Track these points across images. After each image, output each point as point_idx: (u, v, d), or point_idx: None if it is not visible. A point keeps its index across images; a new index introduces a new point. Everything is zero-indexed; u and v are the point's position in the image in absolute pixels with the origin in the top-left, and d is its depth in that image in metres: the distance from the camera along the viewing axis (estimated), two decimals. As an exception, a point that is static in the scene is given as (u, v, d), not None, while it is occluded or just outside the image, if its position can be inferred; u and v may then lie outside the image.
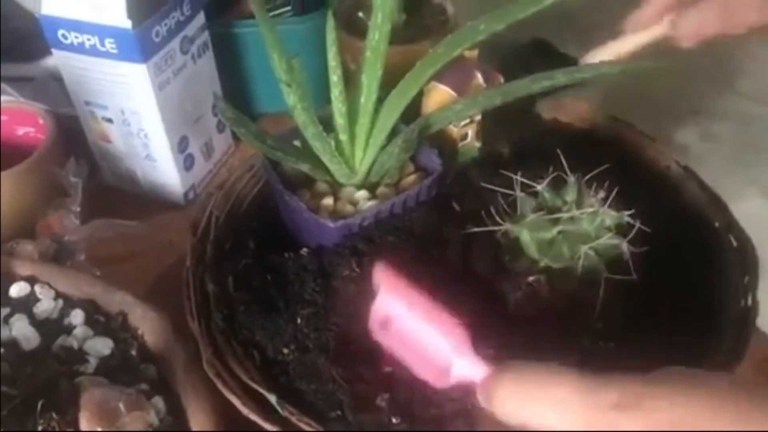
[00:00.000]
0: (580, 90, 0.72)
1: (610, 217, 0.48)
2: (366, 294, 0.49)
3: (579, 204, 0.49)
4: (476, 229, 0.48)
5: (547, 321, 0.46)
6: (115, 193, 0.77)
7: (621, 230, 0.49)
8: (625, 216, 0.48)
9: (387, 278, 0.41)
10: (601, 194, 0.49)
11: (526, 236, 0.48)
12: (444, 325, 0.38)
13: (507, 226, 0.49)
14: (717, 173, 0.63)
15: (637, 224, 0.47)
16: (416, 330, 0.39)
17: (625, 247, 0.48)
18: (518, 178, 0.50)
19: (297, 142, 0.57)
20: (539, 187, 0.50)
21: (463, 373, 0.37)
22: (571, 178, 0.50)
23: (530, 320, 0.47)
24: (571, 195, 0.50)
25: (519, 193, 0.50)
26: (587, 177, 0.49)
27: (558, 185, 0.50)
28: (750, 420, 0.29)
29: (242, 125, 0.50)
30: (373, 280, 0.42)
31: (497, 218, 0.49)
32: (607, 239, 0.48)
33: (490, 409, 0.34)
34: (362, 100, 0.54)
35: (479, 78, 0.59)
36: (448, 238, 0.51)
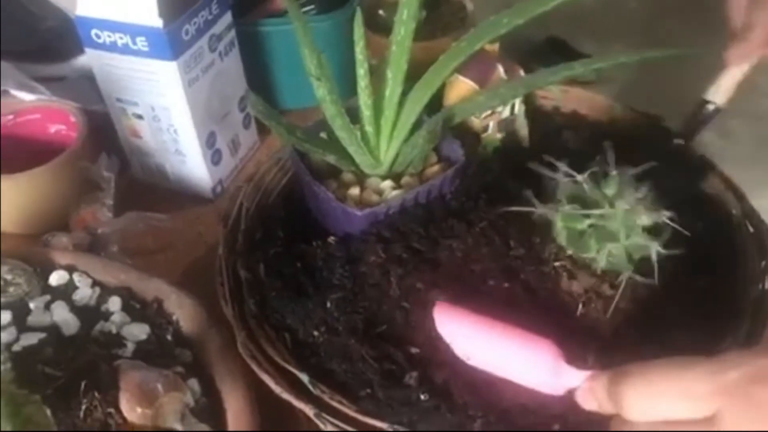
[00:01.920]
0: (600, 86, 0.74)
1: (646, 216, 0.49)
2: (392, 276, 0.51)
3: (617, 199, 0.50)
4: (514, 209, 0.50)
5: (563, 307, 0.48)
6: (145, 187, 0.79)
7: (656, 230, 0.50)
8: (663, 217, 0.49)
9: (448, 319, 0.44)
10: (641, 193, 0.50)
11: (559, 223, 0.49)
12: (532, 348, 0.41)
13: (543, 209, 0.50)
14: (735, 169, 0.64)
15: (672, 225, 0.48)
16: (506, 358, 0.42)
17: (654, 250, 0.48)
18: (561, 166, 0.51)
19: (323, 134, 0.59)
20: (579, 177, 0.51)
21: (570, 383, 0.40)
22: (614, 173, 0.50)
23: (548, 305, 0.49)
24: (611, 189, 0.50)
25: (562, 179, 0.51)
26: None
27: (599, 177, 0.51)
28: None
29: (273, 118, 0.52)
30: (436, 324, 0.44)
31: (534, 201, 0.50)
32: (637, 237, 0.49)
33: (604, 409, 0.37)
34: (387, 93, 0.56)
35: (500, 71, 0.61)
36: (482, 216, 0.52)
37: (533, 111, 0.69)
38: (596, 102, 0.70)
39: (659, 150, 0.65)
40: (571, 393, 0.40)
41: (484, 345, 0.43)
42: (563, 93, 0.71)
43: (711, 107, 0.61)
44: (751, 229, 0.58)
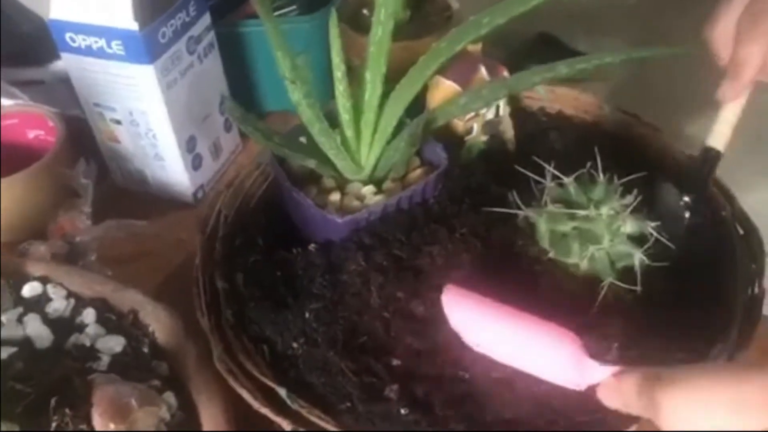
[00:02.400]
0: (592, 84, 0.73)
1: (630, 224, 0.48)
2: (373, 285, 0.50)
3: (603, 204, 0.48)
4: (497, 210, 0.48)
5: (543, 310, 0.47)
6: (125, 193, 0.78)
7: (640, 239, 0.49)
8: (649, 227, 0.48)
9: (458, 304, 0.42)
10: (628, 199, 0.49)
11: (542, 225, 0.48)
12: (554, 338, 0.39)
13: (527, 212, 0.49)
14: (727, 164, 0.63)
15: (658, 237, 0.47)
16: (523, 349, 0.39)
17: (638, 258, 0.47)
18: (550, 168, 0.50)
19: (303, 139, 0.57)
20: (566, 180, 0.49)
21: (593, 379, 0.37)
22: (601, 177, 0.49)
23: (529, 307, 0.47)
24: (597, 194, 0.49)
25: (548, 183, 0.50)
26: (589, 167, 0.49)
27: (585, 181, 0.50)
28: None
29: (249, 123, 0.51)
30: (444, 309, 0.42)
31: (519, 203, 0.49)
32: (621, 245, 0.47)
33: (630, 409, 0.34)
34: (367, 95, 0.54)
35: (483, 72, 0.59)
36: (464, 221, 0.51)
37: (519, 112, 0.68)
38: (583, 102, 0.69)
39: (646, 148, 0.64)
40: (589, 389, 0.37)
41: (499, 333, 0.40)
42: (549, 93, 0.70)
43: (713, 153, 0.56)
44: (741, 231, 0.56)
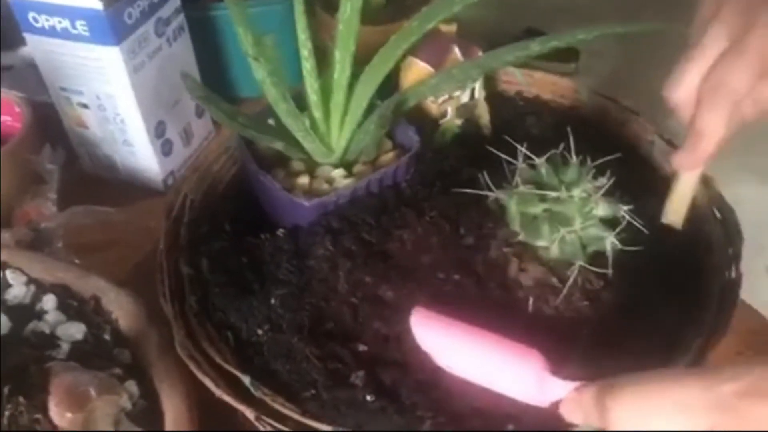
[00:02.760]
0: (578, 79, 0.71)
1: (602, 207, 0.47)
2: (340, 270, 0.49)
3: (575, 186, 0.47)
4: (467, 191, 0.47)
5: (513, 301, 0.46)
6: (94, 180, 0.76)
7: (613, 223, 0.47)
8: (622, 210, 0.47)
9: (427, 328, 0.41)
10: (601, 181, 0.47)
11: (513, 207, 0.47)
12: (517, 356, 0.39)
13: (498, 193, 0.47)
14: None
15: (631, 220, 0.46)
16: (488, 367, 0.40)
17: (609, 242, 0.46)
18: (522, 149, 0.48)
19: (272, 122, 0.56)
20: (538, 161, 0.48)
21: (555, 395, 0.38)
22: (574, 159, 0.48)
23: (498, 299, 0.46)
24: (569, 176, 0.48)
25: (521, 164, 0.48)
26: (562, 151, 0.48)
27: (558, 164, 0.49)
28: None
29: (212, 102, 0.49)
30: (414, 332, 0.42)
31: (491, 185, 0.48)
32: (592, 228, 0.46)
33: (589, 422, 0.35)
34: (336, 75, 0.53)
35: (457, 53, 0.58)
36: (434, 205, 0.50)
37: (495, 96, 0.66)
38: (561, 87, 0.68)
39: (623, 133, 0.63)
40: (553, 405, 0.38)
41: (467, 355, 0.41)
42: (527, 77, 0.68)
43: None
44: (719, 216, 0.55)
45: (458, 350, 0.41)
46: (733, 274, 0.51)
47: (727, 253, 0.53)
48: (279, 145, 0.53)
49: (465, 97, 0.61)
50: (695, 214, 0.55)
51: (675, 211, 0.51)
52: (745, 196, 0.62)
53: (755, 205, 0.59)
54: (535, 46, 0.48)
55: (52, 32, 0.63)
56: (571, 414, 0.37)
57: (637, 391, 0.33)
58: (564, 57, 1.27)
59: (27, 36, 0.65)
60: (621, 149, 0.53)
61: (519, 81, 0.68)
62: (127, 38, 0.63)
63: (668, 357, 0.44)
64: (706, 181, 0.58)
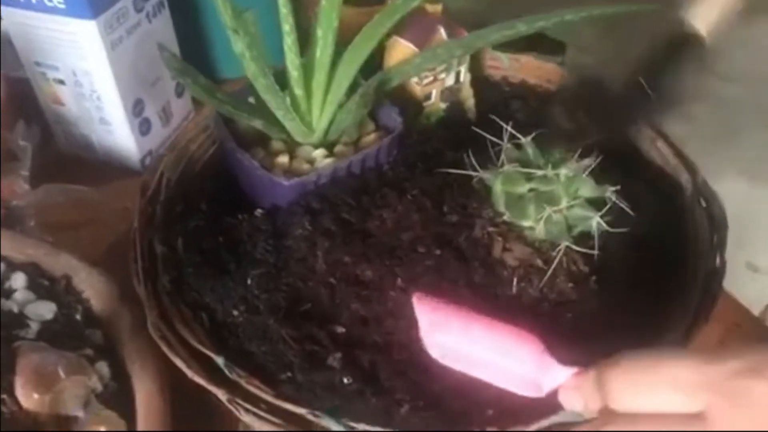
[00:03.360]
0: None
1: (588, 186, 0.46)
2: (319, 250, 0.48)
3: (561, 166, 0.46)
4: (452, 171, 0.46)
5: (496, 280, 0.45)
6: (70, 160, 0.74)
7: (599, 204, 0.47)
8: (608, 191, 0.46)
9: (428, 310, 0.40)
10: (587, 161, 0.47)
11: (498, 187, 0.46)
12: (516, 342, 0.38)
13: (483, 173, 0.47)
14: (696, 154, 0.62)
15: (617, 202, 0.45)
16: (488, 352, 0.38)
17: (595, 222, 0.45)
18: (508, 127, 0.47)
19: (252, 100, 0.54)
20: (524, 140, 0.47)
21: (552, 383, 0.37)
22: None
23: (481, 276, 0.45)
24: (556, 155, 0.47)
25: (506, 144, 0.47)
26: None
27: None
28: None
29: (189, 76, 0.48)
30: (416, 314, 0.40)
31: (476, 165, 0.47)
32: (578, 208, 0.46)
33: (590, 404, 0.34)
34: (318, 53, 0.51)
35: (442, 33, 0.57)
36: (416, 184, 0.49)
37: (481, 81, 0.65)
38: (547, 71, 0.67)
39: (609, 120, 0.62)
40: (549, 392, 0.37)
41: (464, 341, 0.39)
42: (513, 62, 0.67)
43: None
44: (704, 203, 0.55)
45: (454, 336, 0.39)
46: (717, 262, 0.50)
47: (711, 241, 0.52)
48: (258, 124, 0.52)
49: (450, 81, 0.60)
50: (679, 201, 0.55)
51: (701, 14, 0.47)
52: (727, 191, 0.61)
53: (737, 200, 0.58)
54: (522, 26, 0.47)
55: (26, 4, 0.61)
56: (571, 401, 0.36)
57: (634, 368, 0.33)
58: (549, 51, 1.26)
59: (2, 8, 0.63)
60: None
61: (505, 65, 0.67)
62: (105, 12, 0.61)
63: (653, 340, 0.44)
64: (691, 170, 0.57)
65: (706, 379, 0.31)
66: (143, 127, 0.70)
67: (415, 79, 0.58)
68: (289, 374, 0.43)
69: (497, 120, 0.47)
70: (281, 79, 0.52)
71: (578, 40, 0.70)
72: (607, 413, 0.33)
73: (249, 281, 0.47)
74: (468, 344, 0.39)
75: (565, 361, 0.37)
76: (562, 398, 0.36)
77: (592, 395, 0.34)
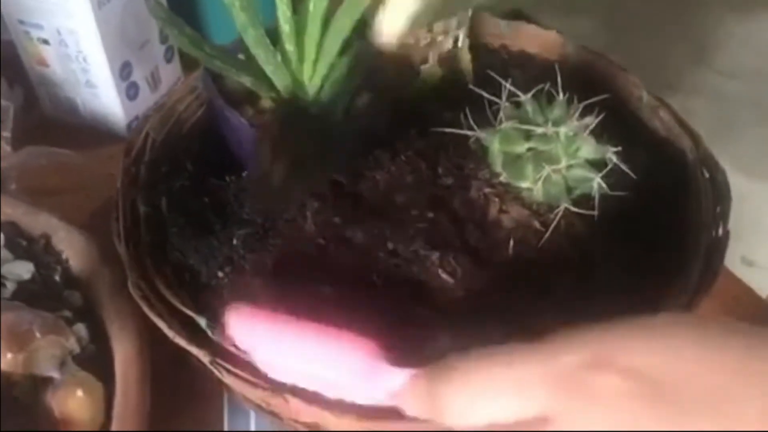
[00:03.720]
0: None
1: (588, 146, 0.44)
2: (308, 211, 0.46)
3: (561, 124, 0.44)
4: (446, 130, 0.44)
5: (492, 242, 0.43)
6: (54, 124, 0.72)
7: (599, 165, 0.45)
8: (609, 152, 0.44)
9: (245, 323, 0.35)
10: (588, 120, 0.45)
11: (495, 146, 0.44)
12: (345, 351, 0.33)
13: (480, 133, 0.45)
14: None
15: (619, 164, 0.43)
16: (314, 366, 0.34)
17: (596, 183, 0.43)
18: (507, 84, 0.45)
19: (242, 56, 0.52)
20: (523, 98, 0.45)
21: (387, 389, 0.32)
22: (561, 96, 0.45)
23: (476, 239, 0.43)
24: (556, 113, 0.45)
25: (504, 102, 0.45)
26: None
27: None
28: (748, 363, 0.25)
29: (175, 26, 0.46)
30: (232, 334, 0.35)
31: (473, 125, 0.45)
32: (578, 168, 0.44)
33: (426, 414, 0.30)
34: (311, 7, 0.49)
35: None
36: (409, 145, 0.47)
37: (479, 48, 0.63)
38: (547, 39, 0.65)
39: (611, 88, 0.60)
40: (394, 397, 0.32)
41: (287, 355, 0.34)
42: (512, 30, 0.66)
43: None
44: (707, 174, 0.53)
45: (278, 348, 0.35)
46: (720, 232, 0.49)
47: (714, 211, 0.50)
48: (247, 80, 0.49)
49: (448, 44, 0.58)
50: (682, 171, 0.53)
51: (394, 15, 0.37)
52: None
53: (733, 195, 0.57)
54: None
55: (9, -42, 0.59)
56: (407, 406, 0.31)
57: (466, 372, 0.28)
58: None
59: (-16, -37, 0.61)
60: (609, 100, 0.50)
61: (504, 32, 0.65)
62: (92, -32, 0.59)
63: (654, 309, 0.42)
64: (695, 140, 0.55)
65: (546, 376, 0.26)
66: (130, 92, 0.68)
67: (411, 41, 0.56)
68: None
69: (496, 77, 0.45)
70: (272, 37, 0.50)
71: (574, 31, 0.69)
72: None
73: (234, 241, 0.46)
74: (291, 358, 0.34)
75: (402, 359, 0.32)
76: (400, 403, 0.32)
77: (424, 401, 0.30)
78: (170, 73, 0.73)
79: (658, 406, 0.25)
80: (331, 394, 0.34)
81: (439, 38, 0.57)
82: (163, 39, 0.70)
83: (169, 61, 0.72)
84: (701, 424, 0.24)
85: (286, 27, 0.49)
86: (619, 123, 0.52)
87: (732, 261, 0.54)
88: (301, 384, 0.35)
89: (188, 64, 0.75)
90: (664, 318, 0.28)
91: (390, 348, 0.33)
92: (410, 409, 0.31)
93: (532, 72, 0.63)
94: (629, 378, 0.25)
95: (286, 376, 0.35)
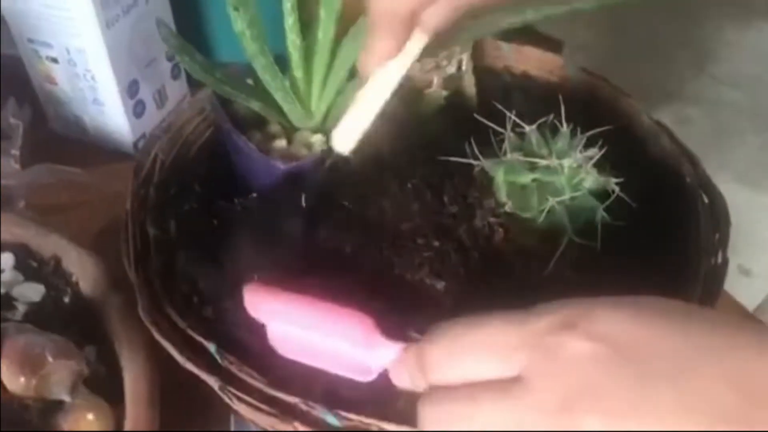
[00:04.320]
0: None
1: (592, 177, 0.45)
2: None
3: (565, 156, 0.45)
4: (453, 158, 0.45)
5: (497, 270, 0.44)
6: (62, 141, 0.73)
7: (602, 196, 0.46)
8: (612, 183, 0.45)
9: (260, 300, 0.37)
10: (591, 152, 0.46)
11: (500, 176, 0.45)
12: (345, 322, 0.35)
13: (485, 162, 0.46)
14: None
15: (621, 195, 0.44)
16: (320, 338, 0.36)
17: (599, 213, 0.44)
18: (511, 115, 0.47)
19: (251, 81, 0.53)
20: (528, 129, 0.46)
21: (381, 362, 0.34)
22: (565, 128, 0.46)
23: (481, 267, 0.44)
24: (559, 145, 0.46)
25: (509, 133, 0.46)
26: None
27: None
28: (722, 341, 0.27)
29: (186, 53, 0.47)
30: (248, 308, 0.38)
31: (478, 154, 0.46)
32: (581, 200, 0.45)
33: (413, 376, 0.32)
34: (320, 35, 0.50)
35: (446, 19, 0.56)
36: (416, 172, 0.48)
37: (482, 70, 0.64)
38: (548, 62, 0.66)
39: (612, 113, 0.61)
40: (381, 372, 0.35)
41: (298, 328, 0.36)
42: (515, 52, 0.66)
43: None
44: (706, 200, 0.54)
45: (287, 323, 0.37)
46: (720, 259, 0.50)
47: (713, 238, 0.51)
48: (256, 105, 0.50)
49: (452, 68, 0.59)
50: (682, 196, 0.54)
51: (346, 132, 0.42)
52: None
53: (730, 203, 0.58)
54: (530, 13, 0.46)
55: (20, -21, 0.60)
56: (398, 378, 0.33)
57: (451, 333, 0.30)
58: (546, 48, 1.26)
59: (-5, -17, 0.62)
60: (612, 125, 0.51)
61: (506, 54, 0.66)
62: (101, -11, 0.60)
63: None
64: (694, 164, 0.56)
65: (520, 339, 0.28)
66: (137, 109, 0.69)
67: (416, 66, 0.56)
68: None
69: (500, 107, 0.46)
70: (280, 65, 0.51)
71: (576, 39, 0.70)
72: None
73: (243, 265, 0.46)
74: (301, 331, 0.36)
75: (398, 336, 0.34)
76: (392, 376, 0.34)
77: (414, 370, 0.32)
78: (177, 90, 0.74)
79: (621, 369, 0.26)
80: (333, 368, 0.36)
81: (444, 62, 0.58)
82: (170, 56, 0.71)
83: (175, 78, 0.73)
84: (660, 389, 0.26)
85: (295, 54, 0.49)
86: (620, 148, 0.53)
87: (729, 270, 0.55)
88: (307, 361, 0.37)
89: (194, 80, 0.75)
90: (635, 296, 0.30)
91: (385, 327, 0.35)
92: (400, 377, 0.33)
93: (534, 93, 0.63)
94: (595, 341, 0.27)
95: (294, 352, 0.37)
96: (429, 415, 0.30)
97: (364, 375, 0.35)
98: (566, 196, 0.43)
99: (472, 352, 0.29)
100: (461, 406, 0.29)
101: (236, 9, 0.43)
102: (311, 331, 0.36)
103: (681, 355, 0.26)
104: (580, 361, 0.27)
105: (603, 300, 0.29)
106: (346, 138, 0.42)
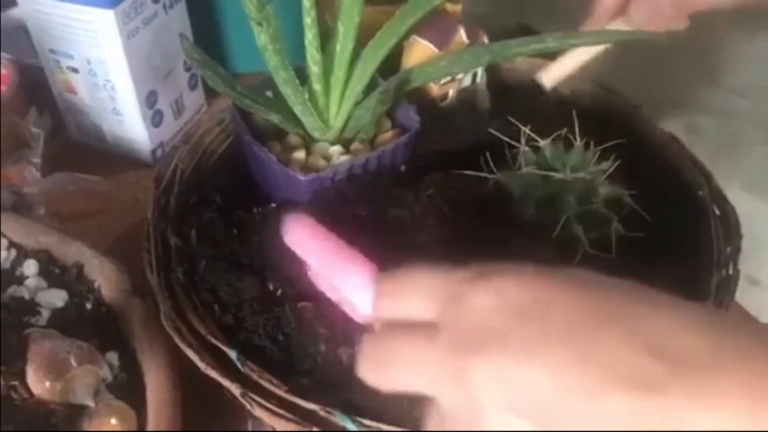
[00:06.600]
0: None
1: (605, 189, 0.46)
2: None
3: (579, 170, 0.46)
4: (468, 172, 0.46)
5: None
6: (81, 149, 0.74)
7: (617, 207, 0.47)
8: (625, 195, 0.46)
9: (298, 233, 0.37)
10: (605, 165, 0.47)
11: (515, 189, 0.46)
12: (351, 264, 0.36)
13: (500, 175, 0.46)
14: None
15: (634, 206, 0.45)
16: (331, 273, 0.37)
17: (614, 225, 0.45)
18: (526, 130, 0.48)
19: (270, 93, 0.54)
20: (542, 143, 0.47)
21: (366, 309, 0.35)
22: (578, 142, 0.47)
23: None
24: (574, 159, 0.47)
25: (523, 147, 0.47)
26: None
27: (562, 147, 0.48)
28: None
29: (209, 68, 0.48)
30: (287, 239, 0.38)
31: (493, 168, 0.47)
32: (596, 212, 0.46)
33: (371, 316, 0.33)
34: (338, 48, 0.51)
35: (462, 33, 0.57)
36: (432, 184, 0.49)
37: (496, 82, 0.65)
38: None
39: (624, 126, 0.62)
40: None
41: (322, 267, 0.37)
42: (528, 65, 0.67)
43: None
44: (718, 212, 0.55)
45: (315, 255, 0.37)
46: (731, 271, 0.50)
47: (725, 251, 0.52)
48: (275, 118, 0.51)
49: (467, 81, 0.60)
50: (694, 209, 0.55)
51: (550, 73, 0.56)
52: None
53: (739, 213, 0.59)
54: (552, 42, 0.47)
55: (44, -9, 0.61)
56: (386, 304, 0.33)
57: (393, 277, 0.31)
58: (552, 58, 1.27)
59: (18, -6, 0.63)
60: (624, 139, 0.52)
61: (520, 68, 0.67)
62: (123, 1, 0.61)
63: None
64: (707, 178, 0.57)
65: (439, 285, 0.29)
66: (155, 119, 0.70)
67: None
68: (302, 369, 0.43)
69: (514, 122, 0.47)
70: (299, 78, 0.52)
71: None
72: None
73: (262, 274, 0.47)
74: (324, 269, 0.37)
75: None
76: (377, 306, 0.33)
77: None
78: (194, 99, 0.75)
79: (522, 324, 0.26)
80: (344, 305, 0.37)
81: (459, 76, 0.59)
82: (188, 67, 0.72)
83: (193, 88, 0.74)
84: (559, 343, 0.26)
85: (314, 68, 0.51)
86: (632, 160, 0.54)
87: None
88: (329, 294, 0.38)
89: (211, 90, 0.77)
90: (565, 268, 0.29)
91: None
92: (389, 307, 0.32)
93: (547, 106, 0.64)
94: (501, 294, 0.27)
95: (326, 286, 0.38)
96: (362, 350, 0.31)
97: (362, 316, 0.36)
98: (581, 209, 0.44)
99: (404, 293, 0.31)
100: (384, 340, 0.30)
101: (260, 24, 0.44)
102: (328, 262, 0.37)
103: (585, 324, 0.26)
104: (482, 310, 0.27)
105: (525, 267, 0.29)
106: (552, 75, 0.55)
